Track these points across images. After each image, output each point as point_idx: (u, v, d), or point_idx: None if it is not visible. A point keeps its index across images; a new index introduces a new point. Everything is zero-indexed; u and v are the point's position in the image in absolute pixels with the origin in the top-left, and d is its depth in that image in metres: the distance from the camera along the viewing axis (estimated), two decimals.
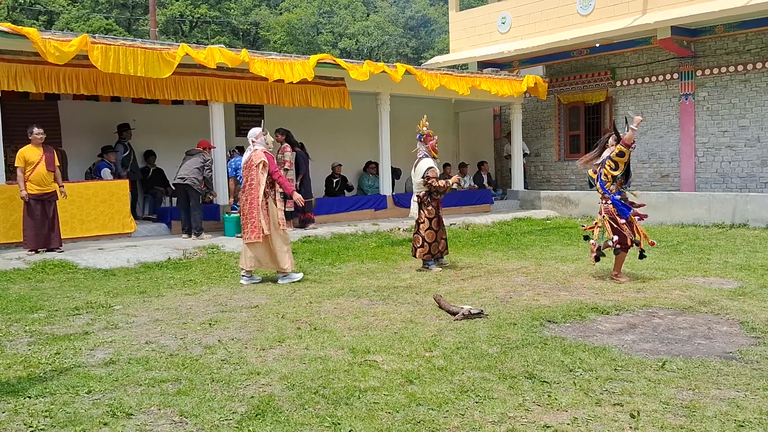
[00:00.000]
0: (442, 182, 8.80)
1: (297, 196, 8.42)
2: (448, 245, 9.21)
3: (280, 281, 8.08)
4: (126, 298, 7.20)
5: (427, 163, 8.92)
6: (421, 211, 8.89)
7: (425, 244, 8.82)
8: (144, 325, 5.98)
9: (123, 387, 4.28)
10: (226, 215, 11.34)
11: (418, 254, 8.91)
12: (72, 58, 9.78)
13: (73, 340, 5.41)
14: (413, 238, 9.04)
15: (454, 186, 9.14)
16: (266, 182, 7.98)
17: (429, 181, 8.77)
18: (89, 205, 10.55)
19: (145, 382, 4.37)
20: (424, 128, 9.14)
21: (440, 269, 8.84)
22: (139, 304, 6.90)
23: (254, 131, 8.27)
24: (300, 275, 8.24)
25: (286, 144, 11.92)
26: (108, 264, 9.12)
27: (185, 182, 11.04)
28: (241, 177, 10.64)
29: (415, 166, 9.09)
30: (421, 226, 8.87)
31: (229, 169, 11.14)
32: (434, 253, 8.88)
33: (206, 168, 11.19)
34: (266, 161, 8.00)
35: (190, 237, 10.99)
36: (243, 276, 8.12)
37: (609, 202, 7.84)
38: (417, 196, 8.99)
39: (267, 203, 8.00)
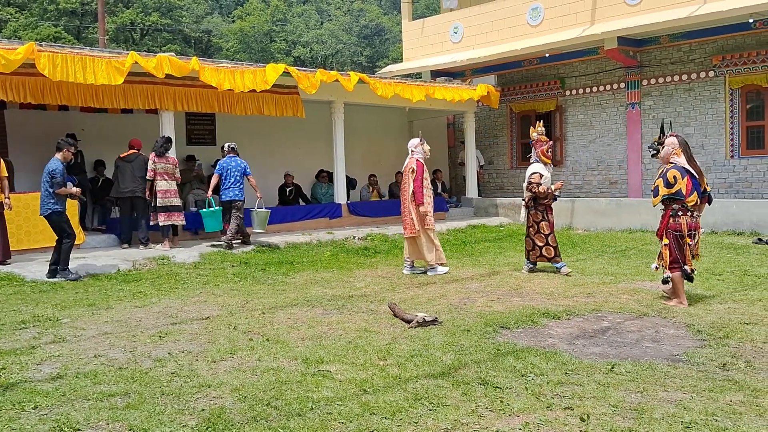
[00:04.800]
0: (542, 188, 8.84)
1: (424, 209, 9.10)
2: (559, 253, 9.06)
3: (429, 273, 9.13)
4: (74, 310, 7.03)
5: (532, 168, 9.03)
6: (529, 216, 9.06)
7: (536, 247, 8.98)
8: (92, 338, 5.85)
9: (70, 402, 4.18)
10: (203, 210, 11.23)
11: (531, 257, 9.08)
12: (19, 67, 9.55)
13: (20, 355, 5.27)
14: (525, 242, 9.22)
15: (556, 193, 9.06)
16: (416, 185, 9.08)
17: (529, 187, 8.90)
18: (36, 216, 10.26)
19: (94, 396, 4.27)
20: (534, 134, 9.18)
21: (569, 270, 8.87)
22: (88, 316, 6.74)
23: (413, 142, 9.37)
24: (446, 269, 9.20)
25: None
26: (56, 276, 8.89)
27: (136, 195, 10.87)
28: (225, 177, 11.12)
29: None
30: (530, 230, 9.06)
31: (218, 167, 11.30)
32: (549, 256, 8.93)
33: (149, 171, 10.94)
34: (415, 168, 9.05)
35: (130, 247, 10.88)
36: (405, 266, 9.33)
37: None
38: (523, 200, 9.14)
39: (418, 204, 9.08)
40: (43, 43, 10.32)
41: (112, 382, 4.56)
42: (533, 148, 9.22)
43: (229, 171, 11.23)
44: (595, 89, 15.54)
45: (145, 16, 43.00)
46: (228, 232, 11.10)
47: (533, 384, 4.36)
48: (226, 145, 11.64)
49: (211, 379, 4.59)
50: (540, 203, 8.97)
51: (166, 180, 10.85)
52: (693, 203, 6.68)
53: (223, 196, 11.25)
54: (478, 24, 16.67)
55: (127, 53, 10.66)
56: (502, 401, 4.06)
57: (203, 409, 4.01)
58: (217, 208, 11.19)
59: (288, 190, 14.94)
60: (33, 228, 10.25)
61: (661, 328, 5.85)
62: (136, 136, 11.92)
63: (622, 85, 14.98)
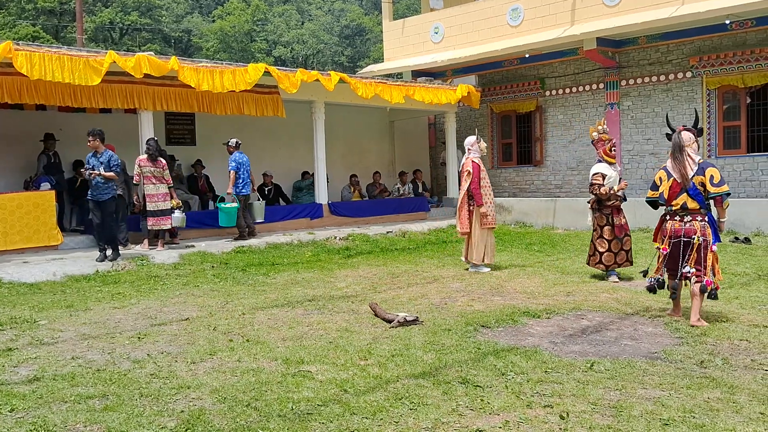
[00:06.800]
0: (604, 189, 8.15)
1: (484, 210, 9.22)
2: (631, 258, 8.40)
3: (470, 269, 9.34)
4: (52, 312, 6.96)
5: (594, 168, 8.39)
6: (594, 219, 8.45)
7: (596, 253, 8.36)
8: (70, 340, 5.79)
9: (48, 404, 4.14)
10: (220, 204, 11.67)
11: (590, 263, 8.50)
12: None
13: None
14: (589, 246, 8.65)
15: (620, 193, 8.26)
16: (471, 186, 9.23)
17: (591, 188, 8.27)
18: (13, 217, 10.15)
19: (71, 398, 4.23)
20: (594, 134, 8.53)
21: (618, 281, 8.26)
22: (66, 318, 6.67)
23: (470, 140, 9.47)
24: (487, 269, 9.28)
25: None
26: (33, 277, 8.79)
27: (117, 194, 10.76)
28: (241, 172, 11.72)
29: None
30: (594, 234, 8.44)
31: (233, 164, 11.83)
32: (608, 264, 8.29)
33: (124, 171, 10.87)
34: (471, 171, 9.22)
35: (119, 253, 10.67)
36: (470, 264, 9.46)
37: (706, 220, 6.05)
38: (588, 202, 8.56)
39: (470, 205, 9.28)
40: (20, 42, 10.20)
41: (90, 384, 4.52)
42: (595, 148, 8.61)
43: (244, 166, 11.91)
44: (574, 90, 15.63)
45: (124, 16, 42.70)
46: (246, 223, 12.00)
47: (513, 382, 4.38)
48: (233, 140, 12.16)
49: (191, 380, 4.56)
50: (605, 205, 8.29)
51: (154, 184, 10.73)
52: (677, 207, 6.06)
53: (243, 191, 11.93)
54: (458, 24, 16.71)
55: (106, 52, 10.56)
56: (482, 400, 4.07)
57: (182, 411, 3.98)
58: (236, 204, 11.74)
59: (267, 189, 14.88)
60: (10, 229, 10.12)
61: (640, 326, 5.90)
62: (115, 136, 11.82)
63: (601, 85, 15.08)
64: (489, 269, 9.33)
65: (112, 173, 9.83)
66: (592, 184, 8.26)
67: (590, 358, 4.90)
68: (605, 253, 8.30)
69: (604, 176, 8.25)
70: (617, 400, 4.02)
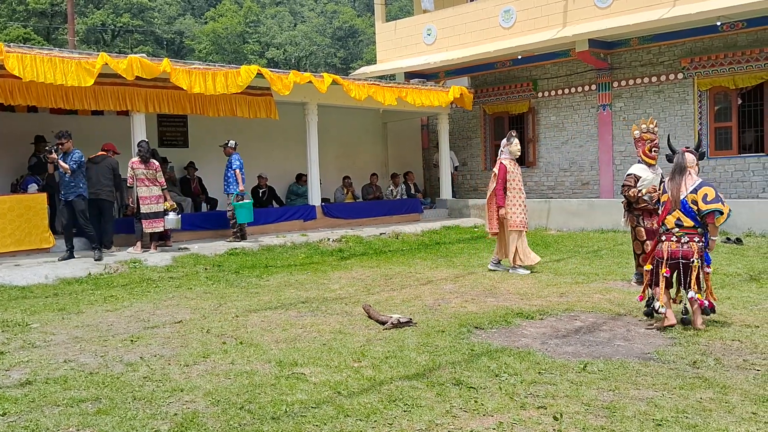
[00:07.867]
0: (633, 191, 7.69)
1: (503, 212, 9.22)
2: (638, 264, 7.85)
3: (510, 271, 9.24)
4: (44, 315, 6.93)
5: (630, 169, 7.96)
6: (628, 220, 8.03)
7: (635, 255, 8.05)
8: (63, 343, 5.76)
9: (40, 408, 4.12)
10: (236, 203, 11.91)
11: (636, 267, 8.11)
12: None
13: None
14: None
15: (647, 197, 7.63)
16: (501, 187, 9.25)
17: (621, 190, 7.88)
18: (4, 220, 10.11)
19: (64, 402, 4.21)
20: (636, 132, 7.95)
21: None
22: (58, 321, 6.65)
23: (502, 142, 9.53)
24: (526, 272, 9.10)
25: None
26: (25, 281, 8.75)
27: (99, 198, 10.59)
28: (242, 171, 12.02)
29: None
30: (630, 236, 8.12)
31: (238, 162, 12.02)
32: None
33: (116, 175, 10.86)
34: (496, 172, 9.29)
35: (101, 251, 10.54)
36: (491, 261, 9.58)
37: (703, 241, 5.88)
38: (622, 204, 8.19)
39: (498, 206, 9.28)
40: (11, 44, 10.16)
41: (82, 387, 4.50)
42: (635, 147, 8.12)
43: (243, 167, 12.17)
44: (567, 91, 15.67)
45: (116, 17, 42.58)
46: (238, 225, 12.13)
47: (507, 384, 4.38)
48: (232, 142, 12.31)
49: (184, 383, 4.55)
50: (636, 207, 7.84)
51: (147, 186, 10.71)
52: (671, 225, 5.90)
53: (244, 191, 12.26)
54: (451, 26, 16.73)
55: (98, 54, 10.53)
56: (476, 401, 4.07)
57: (176, 414, 3.97)
58: (251, 200, 12.26)
59: (261, 191, 14.87)
60: (1, 232, 10.07)
61: (633, 327, 5.91)
62: (107, 138, 11.79)
63: (594, 87, 15.13)
64: (527, 271, 9.10)
65: (66, 165, 9.84)
66: (623, 186, 7.91)
67: (583, 359, 4.91)
68: (642, 255, 7.75)
69: (637, 178, 7.78)
70: (610, 401, 4.03)
